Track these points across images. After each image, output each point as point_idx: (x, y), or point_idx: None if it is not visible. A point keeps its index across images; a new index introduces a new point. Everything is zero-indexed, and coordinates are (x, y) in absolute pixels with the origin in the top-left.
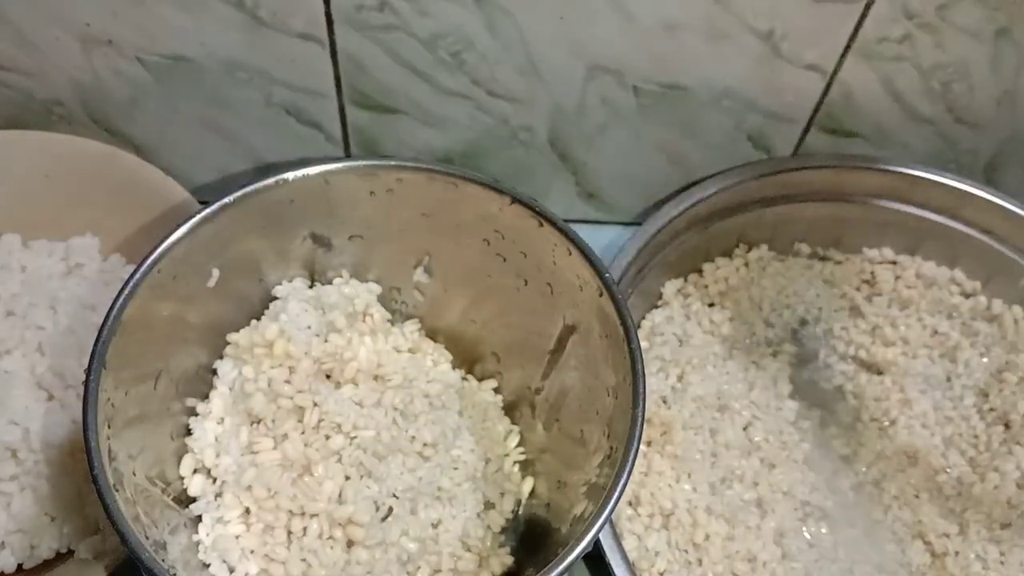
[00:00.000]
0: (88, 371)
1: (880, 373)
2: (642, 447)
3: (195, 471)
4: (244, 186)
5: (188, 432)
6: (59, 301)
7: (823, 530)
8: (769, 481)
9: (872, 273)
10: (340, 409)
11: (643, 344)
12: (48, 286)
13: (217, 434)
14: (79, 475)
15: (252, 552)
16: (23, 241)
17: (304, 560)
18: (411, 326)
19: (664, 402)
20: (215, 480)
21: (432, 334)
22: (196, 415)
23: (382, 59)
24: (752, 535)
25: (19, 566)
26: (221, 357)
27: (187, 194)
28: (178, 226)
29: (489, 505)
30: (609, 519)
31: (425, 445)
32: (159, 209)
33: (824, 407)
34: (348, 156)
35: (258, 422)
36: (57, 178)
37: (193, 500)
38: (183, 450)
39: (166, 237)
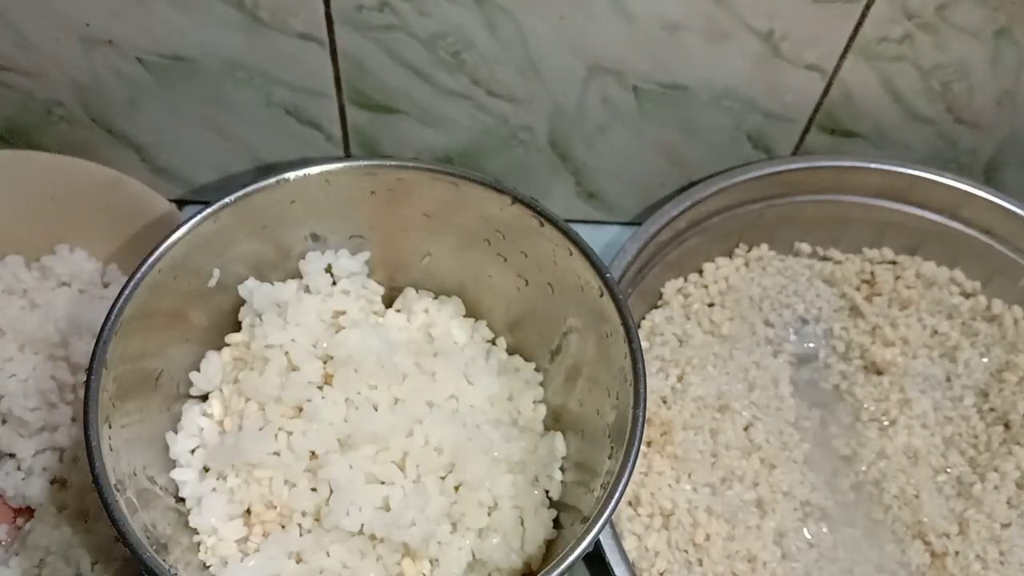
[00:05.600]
0: (89, 371)
1: (880, 373)
2: (642, 447)
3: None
4: (245, 186)
5: None
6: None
7: (823, 530)
8: (769, 481)
9: (872, 273)
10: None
11: (643, 344)
12: (50, 309)
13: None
14: None
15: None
16: (26, 263)
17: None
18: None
19: (664, 402)
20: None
21: None
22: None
23: (382, 59)
24: (752, 535)
25: None
26: None
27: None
28: (179, 226)
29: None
30: (609, 519)
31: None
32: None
33: (824, 407)
34: (348, 156)
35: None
36: (62, 202)
37: None
38: None
39: (166, 237)
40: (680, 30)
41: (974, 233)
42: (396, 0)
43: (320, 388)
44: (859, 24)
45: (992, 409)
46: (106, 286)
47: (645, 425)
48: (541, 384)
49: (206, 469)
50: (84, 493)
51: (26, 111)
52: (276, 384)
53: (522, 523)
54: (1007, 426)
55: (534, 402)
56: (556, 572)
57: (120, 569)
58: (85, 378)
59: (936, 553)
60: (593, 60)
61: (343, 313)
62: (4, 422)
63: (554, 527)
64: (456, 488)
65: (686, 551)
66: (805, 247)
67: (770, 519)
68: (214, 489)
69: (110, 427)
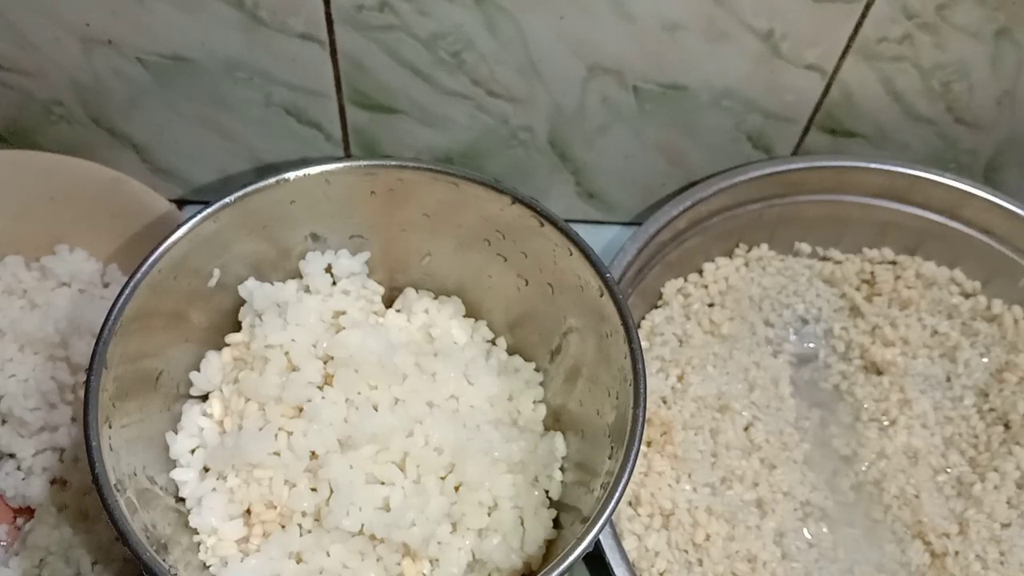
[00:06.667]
0: (89, 371)
1: (880, 373)
2: (642, 447)
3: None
4: (244, 186)
5: None
6: (60, 323)
7: (823, 530)
8: (769, 481)
9: (872, 273)
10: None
11: (643, 344)
12: (50, 310)
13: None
14: None
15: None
16: (26, 263)
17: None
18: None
19: (664, 402)
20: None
21: None
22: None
23: (382, 59)
24: (752, 535)
25: None
26: None
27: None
28: (178, 226)
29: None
30: (609, 519)
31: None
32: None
33: (824, 407)
34: (348, 156)
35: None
36: (62, 202)
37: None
38: None
39: (166, 237)
40: (680, 30)
41: (974, 233)
42: (396, 0)
43: (320, 388)
44: (859, 24)
45: (992, 409)
46: (106, 286)
47: (645, 425)
48: (541, 384)
49: (206, 469)
50: (84, 493)
51: (26, 111)
52: (276, 384)
53: (522, 523)
54: (1007, 426)
55: (534, 402)
56: (556, 572)
57: (120, 569)
58: (85, 378)
59: (936, 553)
60: (593, 60)
61: (343, 313)
62: (4, 422)
63: (554, 527)
64: (456, 488)
65: (686, 551)
66: (805, 247)
67: (770, 519)
68: (214, 489)
69: (110, 427)
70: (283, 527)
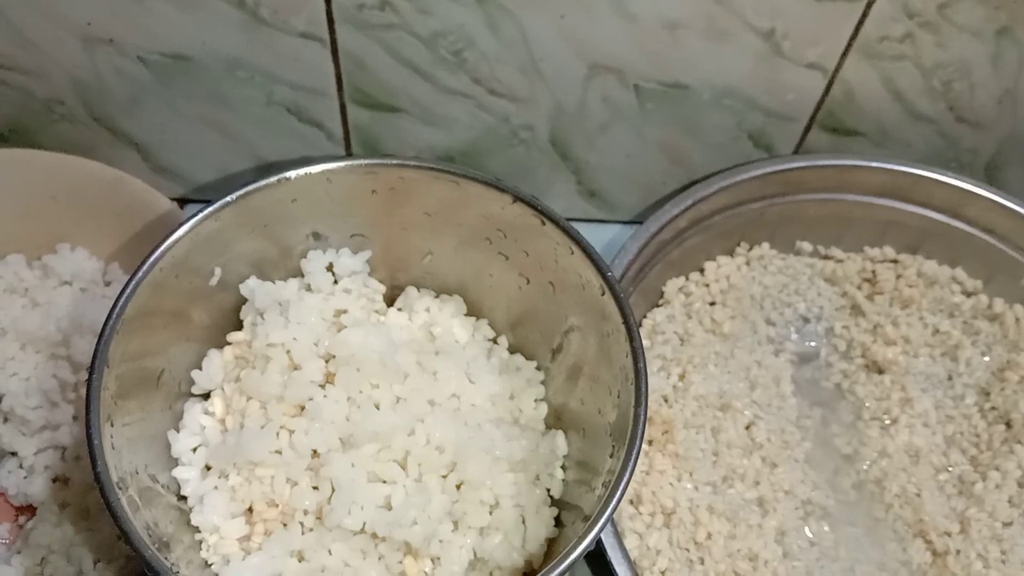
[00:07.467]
0: (91, 369)
1: (881, 372)
2: (644, 446)
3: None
4: (246, 185)
5: None
6: (62, 322)
7: (825, 529)
8: (771, 480)
9: (873, 272)
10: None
11: (644, 343)
12: (51, 308)
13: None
14: None
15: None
16: (27, 262)
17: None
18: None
19: (666, 401)
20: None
21: None
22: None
23: (383, 58)
24: (754, 534)
25: None
26: None
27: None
28: (180, 225)
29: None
30: (611, 518)
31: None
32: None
33: (825, 406)
34: (349, 155)
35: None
36: (63, 200)
37: None
38: None
39: (168, 236)
40: (681, 29)
41: (975, 232)
42: None
43: (322, 387)
44: (860, 23)
45: (993, 408)
46: (107, 285)
47: (646, 424)
48: (542, 383)
49: (208, 467)
50: (86, 491)
51: (27, 110)
52: (278, 383)
53: (523, 522)
54: (1008, 425)
55: (535, 401)
56: (558, 571)
57: (122, 567)
58: (87, 377)
59: (937, 552)
60: (594, 59)
61: (344, 312)
62: (6, 420)
63: (555, 525)
64: (458, 487)
65: (687, 550)
66: (806, 246)
67: (771, 518)
68: (216, 487)
69: (112, 425)
70: (285, 525)
